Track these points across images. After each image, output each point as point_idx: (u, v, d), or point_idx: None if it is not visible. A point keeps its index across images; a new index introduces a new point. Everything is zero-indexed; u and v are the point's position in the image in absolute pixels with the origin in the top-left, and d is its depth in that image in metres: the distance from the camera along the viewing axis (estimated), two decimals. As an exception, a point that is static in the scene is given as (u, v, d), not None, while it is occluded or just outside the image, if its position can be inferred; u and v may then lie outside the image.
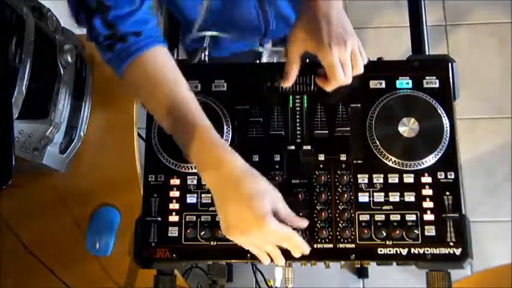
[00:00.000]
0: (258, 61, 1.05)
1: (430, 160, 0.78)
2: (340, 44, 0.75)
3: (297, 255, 0.73)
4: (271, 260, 0.74)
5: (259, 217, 0.66)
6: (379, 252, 0.76)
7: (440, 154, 0.78)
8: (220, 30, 0.97)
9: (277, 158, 0.81)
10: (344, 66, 0.77)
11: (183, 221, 0.79)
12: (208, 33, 0.95)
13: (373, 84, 0.83)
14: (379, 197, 0.78)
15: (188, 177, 0.80)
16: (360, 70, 0.79)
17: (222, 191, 0.70)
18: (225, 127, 0.81)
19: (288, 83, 0.82)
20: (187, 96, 0.73)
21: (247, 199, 0.67)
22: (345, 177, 0.78)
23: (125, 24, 0.72)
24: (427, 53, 0.90)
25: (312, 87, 0.83)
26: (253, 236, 0.68)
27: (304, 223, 0.74)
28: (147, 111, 0.85)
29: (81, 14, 0.73)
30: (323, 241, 0.77)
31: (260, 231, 0.67)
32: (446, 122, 0.80)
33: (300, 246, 0.72)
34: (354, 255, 0.76)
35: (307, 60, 0.82)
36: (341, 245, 0.77)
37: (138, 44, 0.73)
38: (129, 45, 0.73)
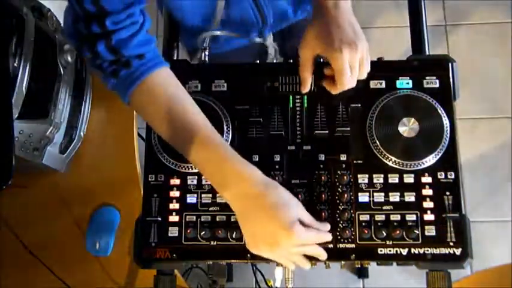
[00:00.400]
0: (263, 55, 1.05)
1: (430, 160, 0.78)
2: (351, 48, 0.75)
3: (323, 258, 0.75)
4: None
5: (287, 227, 0.68)
6: (379, 252, 0.76)
7: (440, 154, 0.78)
8: (220, 29, 0.97)
9: (277, 158, 0.81)
10: (353, 70, 0.77)
11: (183, 221, 0.79)
12: (217, 32, 0.95)
13: (373, 84, 0.83)
14: (379, 197, 0.78)
15: (188, 177, 0.80)
16: (364, 76, 0.79)
17: (246, 208, 0.70)
18: (225, 127, 0.81)
19: (306, 88, 0.82)
20: (195, 119, 0.73)
21: (273, 212, 0.68)
22: (345, 177, 0.78)
23: (128, 47, 0.72)
24: (427, 53, 0.90)
25: (312, 87, 0.83)
26: (283, 247, 0.69)
27: (327, 226, 0.75)
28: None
29: (84, 43, 0.72)
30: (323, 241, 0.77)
31: (290, 240, 0.68)
32: (446, 122, 0.80)
33: (321, 252, 0.74)
34: (354, 255, 0.76)
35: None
36: (341, 245, 0.77)
37: (142, 67, 0.73)
38: (134, 70, 0.73)
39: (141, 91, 0.74)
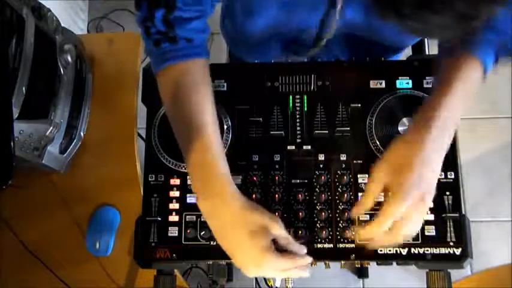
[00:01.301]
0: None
1: (430, 160, 0.78)
2: (416, 203, 0.66)
3: (305, 275, 0.73)
4: None
5: (257, 255, 0.67)
6: (379, 252, 0.76)
7: (440, 154, 0.78)
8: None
9: (277, 158, 0.81)
10: (400, 225, 0.67)
11: (183, 220, 0.79)
12: None
13: (373, 84, 0.83)
14: (379, 196, 0.77)
15: (188, 177, 0.80)
16: (409, 237, 0.71)
17: (222, 227, 0.70)
18: (225, 127, 0.81)
19: (357, 212, 0.74)
20: (206, 120, 0.72)
21: (245, 237, 0.68)
22: (345, 177, 0.78)
23: (183, 28, 0.72)
24: (427, 53, 0.90)
25: (312, 87, 0.83)
26: (257, 272, 0.69)
27: (302, 250, 0.73)
28: (147, 109, 0.85)
29: (144, 1, 0.71)
30: (323, 241, 0.77)
31: (260, 269, 0.68)
32: (446, 122, 0.79)
33: (298, 275, 0.72)
34: (354, 255, 0.76)
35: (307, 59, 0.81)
36: (341, 245, 0.77)
37: (187, 50, 0.73)
38: (177, 49, 0.73)
39: (174, 71, 0.73)
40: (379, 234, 0.68)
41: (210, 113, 0.72)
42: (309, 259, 0.73)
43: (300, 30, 0.85)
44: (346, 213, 0.77)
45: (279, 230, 0.70)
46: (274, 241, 0.70)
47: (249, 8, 0.85)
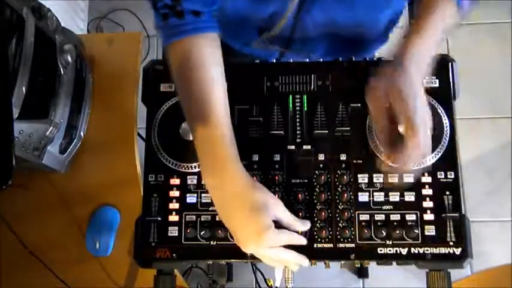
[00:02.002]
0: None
1: (430, 160, 0.78)
2: (426, 127, 0.69)
3: (294, 268, 0.75)
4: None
5: (257, 233, 0.68)
6: (379, 251, 0.76)
7: (440, 154, 0.78)
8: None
9: (277, 157, 0.81)
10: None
11: (183, 220, 0.79)
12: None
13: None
14: (379, 196, 0.78)
15: (188, 176, 0.80)
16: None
17: (225, 204, 0.71)
18: (225, 127, 0.81)
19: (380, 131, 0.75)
20: (216, 95, 0.72)
21: (247, 215, 0.68)
22: (345, 177, 0.78)
23: (190, 0, 0.71)
24: (427, 53, 0.90)
25: (312, 87, 0.83)
26: (257, 249, 0.70)
27: (306, 225, 0.75)
28: (147, 109, 0.85)
29: None
30: (323, 241, 0.77)
31: (260, 245, 0.69)
32: (446, 121, 0.80)
33: (298, 261, 0.74)
34: (354, 254, 0.76)
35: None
36: (341, 245, 0.77)
37: (195, 24, 0.72)
38: (185, 23, 0.72)
39: (181, 46, 0.73)
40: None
41: (218, 90, 0.72)
42: (308, 225, 0.74)
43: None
44: (346, 213, 0.77)
45: (281, 211, 0.71)
46: (276, 223, 0.70)
47: None
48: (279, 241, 0.71)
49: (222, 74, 0.74)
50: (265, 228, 0.68)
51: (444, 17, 0.76)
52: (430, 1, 0.76)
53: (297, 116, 0.83)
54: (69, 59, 0.99)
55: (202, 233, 0.77)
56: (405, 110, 0.69)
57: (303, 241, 0.74)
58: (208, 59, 0.73)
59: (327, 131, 0.81)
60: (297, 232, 0.74)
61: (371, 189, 0.78)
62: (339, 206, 0.78)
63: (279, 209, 0.71)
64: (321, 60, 0.85)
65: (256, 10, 0.85)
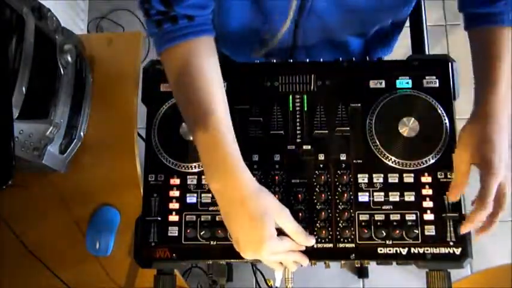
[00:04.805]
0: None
1: (430, 160, 0.78)
2: (505, 178, 0.72)
3: (293, 268, 0.75)
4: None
5: (260, 241, 0.67)
6: (379, 251, 0.76)
7: (440, 154, 0.79)
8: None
9: (277, 157, 0.81)
10: (501, 198, 0.74)
11: (183, 220, 0.79)
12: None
13: (373, 84, 0.83)
14: (379, 196, 0.78)
15: (188, 176, 0.80)
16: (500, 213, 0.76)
17: (230, 209, 0.70)
18: (225, 127, 0.81)
19: (455, 197, 0.76)
20: (216, 99, 0.71)
21: (251, 222, 0.68)
22: (345, 177, 0.78)
23: (181, 5, 0.70)
24: (427, 53, 0.90)
25: (312, 87, 0.83)
26: (258, 256, 0.69)
27: (310, 241, 0.74)
28: (147, 109, 0.85)
29: None
30: (323, 241, 0.77)
31: (261, 253, 0.68)
32: (446, 121, 0.80)
33: (298, 259, 0.73)
34: (354, 254, 0.76)
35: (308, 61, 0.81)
36: (341, 245, 0.77)
37: (187, 29, 0.72)
38: (178, 28, 0.72)
39: (177, 52, 0.73)
40: (482, 217, 0.72)
41: (217, 94, 0.72)
42: (313, 241, 0.74)
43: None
44: (346, 213, 0.77)
45: (286, 221, 0.70)
46: (279, 230, 0.70)
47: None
48: (279, 251, 0.70)
49: (220, 77, 0.74)
50: (266, 239, 0.67)
51: (508, 48, 0.74)
52: (487, 43, 0.74)
53: (297, 116, 0.83)
54: (69, 59, 0.99)
55: (202, 233, 0.77)
56: (483, 184, 0.72)
57: (304, 261, 0.74)
58: (205, 62, 0.73)
59: (327, 131, 0.81)
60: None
61: (371, 189, 0.78)
62: (339, 206, 0.78)
63: (284, 218, 0.70)
64: (321, 60, 0.85)
65: (261, 21, 0.85)
